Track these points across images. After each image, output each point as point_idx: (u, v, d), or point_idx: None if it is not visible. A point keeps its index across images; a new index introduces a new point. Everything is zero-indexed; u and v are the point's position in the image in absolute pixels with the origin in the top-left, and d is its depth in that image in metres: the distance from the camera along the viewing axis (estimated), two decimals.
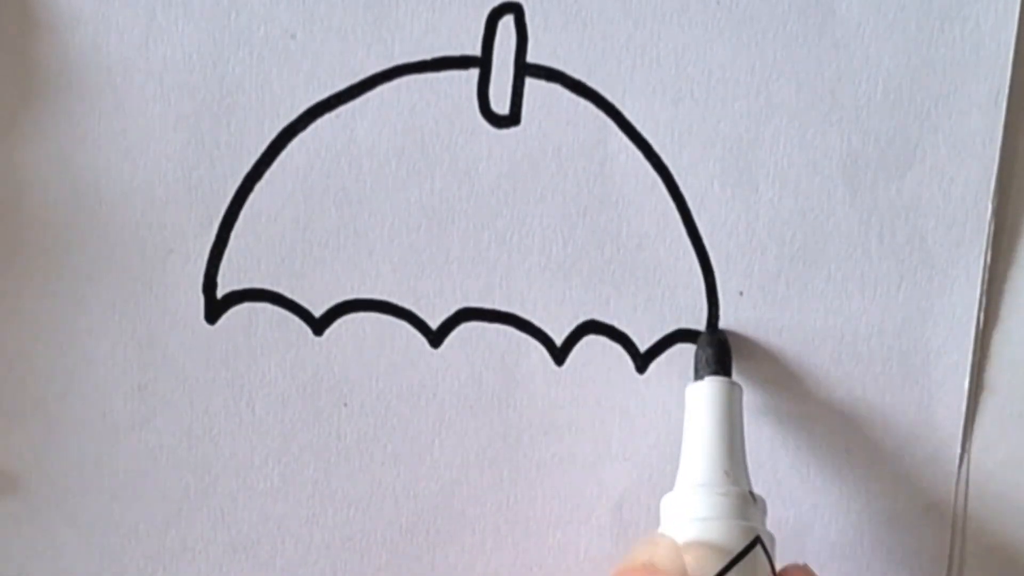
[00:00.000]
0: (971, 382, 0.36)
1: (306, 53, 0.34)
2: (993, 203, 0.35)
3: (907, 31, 0.34)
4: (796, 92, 0.34)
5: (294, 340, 0.35)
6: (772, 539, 0.33)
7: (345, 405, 0.36)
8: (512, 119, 0.34)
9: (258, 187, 0.35)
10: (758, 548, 0.32)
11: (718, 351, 0.34)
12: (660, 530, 0.33)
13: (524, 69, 0.34)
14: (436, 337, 0.36)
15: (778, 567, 0.32)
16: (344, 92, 0.34)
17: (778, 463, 0.36)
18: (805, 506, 0.36)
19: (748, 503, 0.32)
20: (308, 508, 0.36)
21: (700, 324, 0.35)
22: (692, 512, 0.32)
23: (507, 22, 0.34)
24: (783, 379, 0.36)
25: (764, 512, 0.33)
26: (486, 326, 0.35)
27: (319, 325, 0.35)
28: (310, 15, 0.34)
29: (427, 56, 0.34)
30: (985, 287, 0.36)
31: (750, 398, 0.35)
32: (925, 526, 0.36)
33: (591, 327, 0.36)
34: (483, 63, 0.34)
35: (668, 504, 0.33)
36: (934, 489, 0.36)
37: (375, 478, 0.36)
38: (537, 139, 0.35)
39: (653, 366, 0.36)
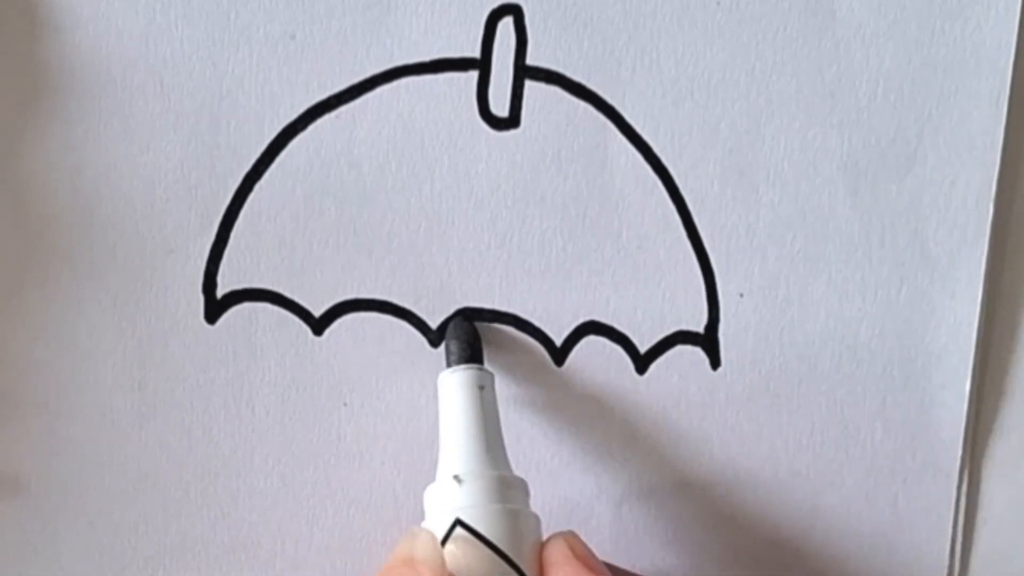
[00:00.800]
0: (972, 384, 0.36)
1: (306, 54, 0.34)
2: (995, 205, 0.35)
3: (908, 32, 0.34)
4: (796, 93, 0.34)
5: (294, 340, 0.35)
6: (537, 519, 0.33)
7: (345, 405, 0.36)
8: (512, 121, 0.34)
9: (258, 187, 0.35)
10: (520, 527, 0.32)
11: (466, 340, 0.34)
12: (423, 524, 0.33)
13: (523, 71, 0.34)
14: (436, 337, 0.36)
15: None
16: (344, 93, 0.34)
17: (779, 469, 0.36)
18: (800, 512, 0.36)
19: (507, 486, 0.32)
20: (308, 508, 0.36)
21: (700, 326, 0.35)
22: (452, 501, 0.32)
23: (506, 24, 0.34)
24: (783, 378, 0.36)
25: (526, 493, 0.33)
26: (486, 326, 0.35)
27: (319, 325, 0.35)
28: (310, 16, 0.34)
29: (427, 58, 0.34)
30: (987, 289, 0.35)
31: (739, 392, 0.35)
32: (925, 529, 0.36)
33: (591, 328, 0.36)
34: (483, 65, 0.34)
35: (429, 496, 0.33)
36: (935, 491, 0.36)
37: (375, 478, 0.36)
38: (537, 141, 0.34)
39: (653, 367, 0.36)
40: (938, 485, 0.36)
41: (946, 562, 0.37)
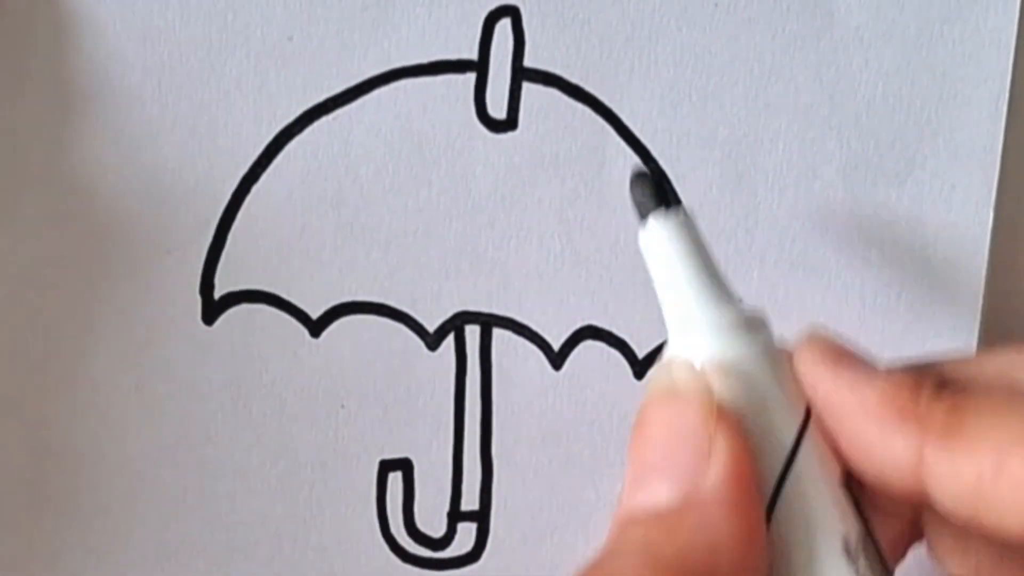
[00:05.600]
0: None
1: (303, 56, 0.34)
2: (994, 209, 0.35)
3: (907, 35, 0.34)
4: (795, 96, 0.34)
5: (291, 342, 0.35)
6: (786, 350, 0.30)
7: (342, 407, 0.36)
8: (509, 123, 0.34)
9: (255, 189, 0.35)
10: (774, 356, 0.29)
11: (654, 187, 0.31)
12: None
13: (521, 73, 0.34)
14: (433, 340, 0.35)
15: None
16: (341, 95, 0.34)
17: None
18: None
19: (754, 320, 0.30)
20: (306, 509, 0.36)
21: None
22: (701, 339, 0.29)
23: (504, 25, 0.34)
24: None
25: (768, 322, 0.30)
26: (481, 330, 0.35)
27: (316, 327, 0.35)
28: (307, 18, 0.34)
29: (424, 60, 0.34)
30: (987, 294, 0.35)
31: None
32: None
33: (589, 332, 0.36)
34: (480, 67, 0.34)
35: (672, 348, 0.30)
36: None
37: (372, 480, 0.36)
38: (534, 143, 0.34)
39: (649, 374, 0.35)
40: None
41: None
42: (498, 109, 0.34)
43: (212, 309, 0.35)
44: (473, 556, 0.37)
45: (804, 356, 0.30)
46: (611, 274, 0.35)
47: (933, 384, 0.28)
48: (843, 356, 0.29)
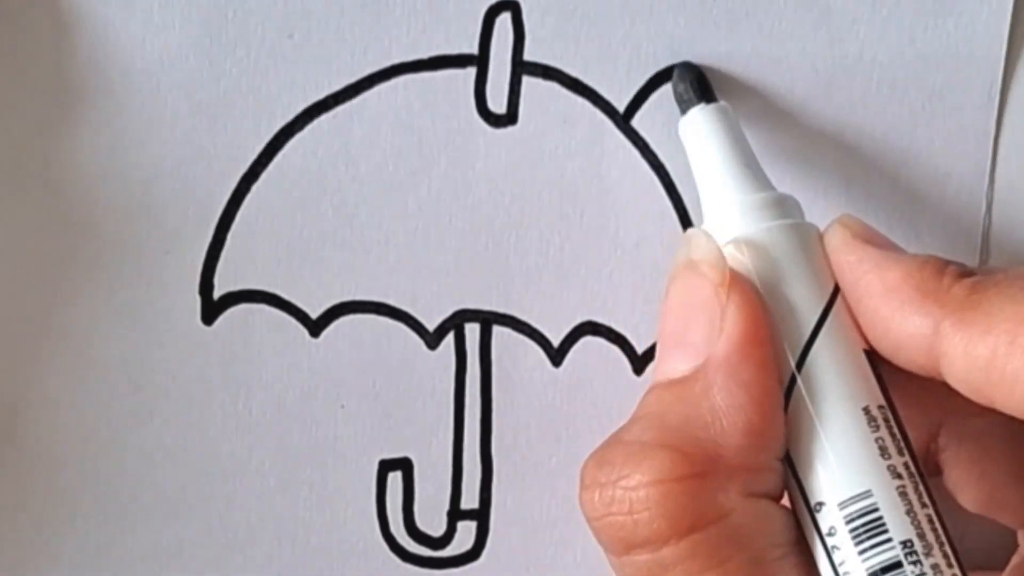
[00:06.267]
0: None
1: (303, 53, 0.34)
2: (988, 198, 0.35)
3: (901, 27, 0.34)
4: (790, 87, 0.34)
5: (291, 341, 0.35)
6: (816, 229, 0.31)
7: (342, 407, 0.36)
8: (509, 118, 0.34)
9: (255, 188, 0.35)
10: (804, 238, 0.30)
11: (700, 79, 0.33)
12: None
13: (521, 67, 0.34)
14: (433, 339, 0.35)
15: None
16: (341, 92, 0.34)
17: None
18: None
19: (782, 202, 0.31)
20: (305, 509, 0.36)
21: None
22: (730, 227, 0.30)
23: (504, 20, 0.34)
24: None
25: (800, 208, 0.32)
26: (481, 326, 0.35)
27: (316, 326, 0.35)
28: (307, 15, 0.34)
29: (424, 55, 0.34)
30: None
31: None
32: None
33: (588, 328, 0.36)
34: (480, 61, 0.34)
35: (706, 225, 0.31)
36: None
37: (372, 479, 0.36)
38: (534, 138, 0.35)
39: (651, 368, 0.36)
40: None
41: None
42: (498, 104, 0.34)
43: (211, 309, 0.35)
44: (473, 554, 0.37)
45: (833, 235, 0.30)
46: (610, 269, 0.35)
47: (958, 267, 0.29)
48: (872, 237, 0.30)
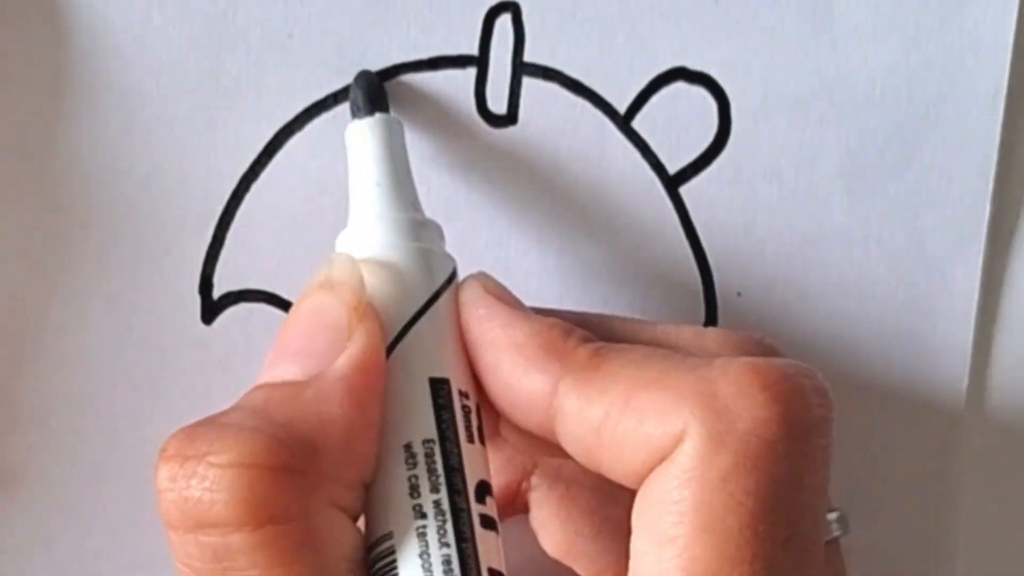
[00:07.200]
0: (970, 383, 0.36)
1: (303, 52, 0.34)
2: (992, 203, 0.35)
3: (905, 30, 0.34)
4: (794, 91, 0.34)
5: None
6: (452, 259, 0.31)
7: None
8: (509, 118, 0.34)
9: (255, 187, 0.34)
10: (433, 264, 0.31)
11: (369, 89, 0.33)
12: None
13: (521, 68, 0.34)
14: None
15: None
16: (341, 92, 0.34)
17: None
18: None
19: (420, 226, 0.31)
20: None
21: (698, 325, 0.35)
22: (364, 242, 0.31)
23: (504, 21, 0.34)
24: None
25: (441, 235, 0.32)
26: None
27: None
28: (307, 14, 0.34)
29: (424, 55, 0.34)
30: (984, 288, 0.36)
31: None
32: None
33: None
34: (480, 62, 0.34)
35: (340, 244, 0.31)
36: (932, 504, 0.36)
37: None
38: (534, 138, 0.34)
39: None
40: (936, 493, 0.36)
41: None
42: (498, 104, 0.34)
43: (211, 309, 0.35)
44: None
45: (466, 288, 0.31)
46: (609, 269, 0.35)
47: (584, 334, 0.29)
48: (503, 296, 0.30)
